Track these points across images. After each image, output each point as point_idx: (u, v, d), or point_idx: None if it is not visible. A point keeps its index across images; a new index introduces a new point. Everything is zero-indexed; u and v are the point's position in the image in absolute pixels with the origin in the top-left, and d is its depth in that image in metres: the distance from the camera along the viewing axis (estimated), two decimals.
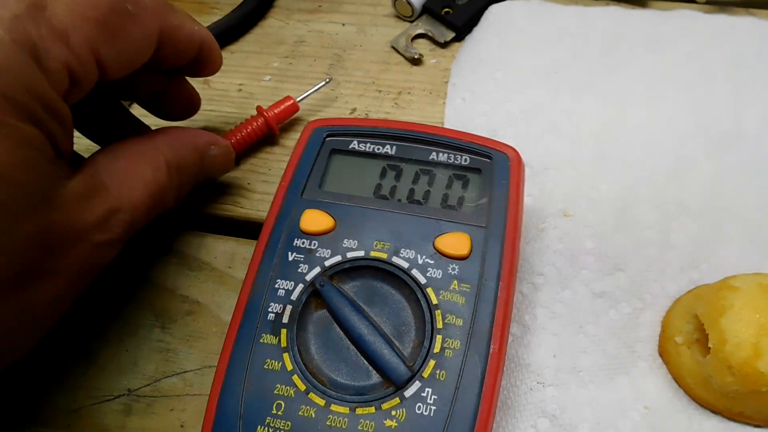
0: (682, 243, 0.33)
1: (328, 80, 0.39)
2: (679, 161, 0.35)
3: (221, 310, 0.32)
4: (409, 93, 0.41)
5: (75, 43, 0.23)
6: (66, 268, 0.25)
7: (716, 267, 0.31)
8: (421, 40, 0.43)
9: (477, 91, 0.39)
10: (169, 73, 0.32)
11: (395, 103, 0.40)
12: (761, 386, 0.25)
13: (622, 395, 0.29)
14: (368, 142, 0.31)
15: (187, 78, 0.34)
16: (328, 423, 0.24)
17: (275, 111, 0.36)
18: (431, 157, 0.30)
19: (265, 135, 0.37)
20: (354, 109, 0.40)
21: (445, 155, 0.30)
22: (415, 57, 0.42)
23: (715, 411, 0.28)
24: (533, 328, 0.30)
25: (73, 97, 0.24)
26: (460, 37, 0.43)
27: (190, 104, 0.34)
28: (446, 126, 0.38)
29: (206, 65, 0.32)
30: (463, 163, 0.30)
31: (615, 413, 0.28)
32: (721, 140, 0.36)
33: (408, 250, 0.27)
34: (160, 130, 0.31)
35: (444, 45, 0.43)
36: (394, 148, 0.30)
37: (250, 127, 0.36)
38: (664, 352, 0.30)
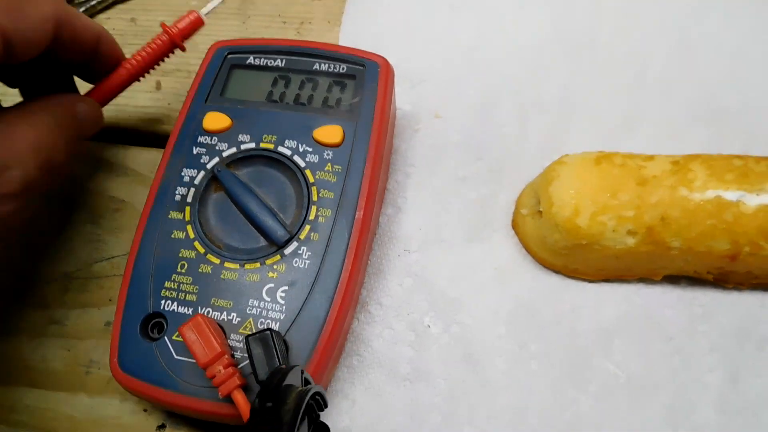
0: (537, 136, 0.38)
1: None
2: (538, 66, 0.40)
3: (143, 205, 0.37)
4: (310, 23, 0.45)
5: None
6: None
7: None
8: None
9: (366, 13, 0.43)
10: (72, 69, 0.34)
11: (297, 32, 0.45)
12: (581, 239, 0.31)
13: (477, 259, 0.34)
14: (262, 57, 0.35)
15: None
16: (222, 276, 0.29)
17: (179, 26, 0.36)
18: (314, 67, 0.34)
19: (171, 50, 0.36)
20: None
21: (326, 65, 0.34)
22: None
23: (555, 270, 0.34)
24: (404, 208, 0.36)
25: None
26: None
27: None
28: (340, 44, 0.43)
29: (108, 58, 0.34)
30: (340, 71, 0.34)
31: (468, 272, 0.34)
32: (576, 46, 0.41)
33: (291, 141, 0.32)
34: (37, 101, 0.31)
35: None
36: (284, 61, 0.35)
37: (155, 44, 0.35)
38: (515, 225, 0.35)
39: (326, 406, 0.25)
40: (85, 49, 0.32)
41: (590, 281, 0.33)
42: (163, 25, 0.35)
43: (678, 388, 0.30)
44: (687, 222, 0.29)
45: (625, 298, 0.32)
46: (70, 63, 0.33)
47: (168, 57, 0.36)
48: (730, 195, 0.29)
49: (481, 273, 0.34)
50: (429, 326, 0.32)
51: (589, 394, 0.30)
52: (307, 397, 0.23)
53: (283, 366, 0.25)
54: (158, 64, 0.36)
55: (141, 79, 0.36)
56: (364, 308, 0.33)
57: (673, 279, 0.32)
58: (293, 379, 0.24)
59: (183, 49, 0.36)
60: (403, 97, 0.40)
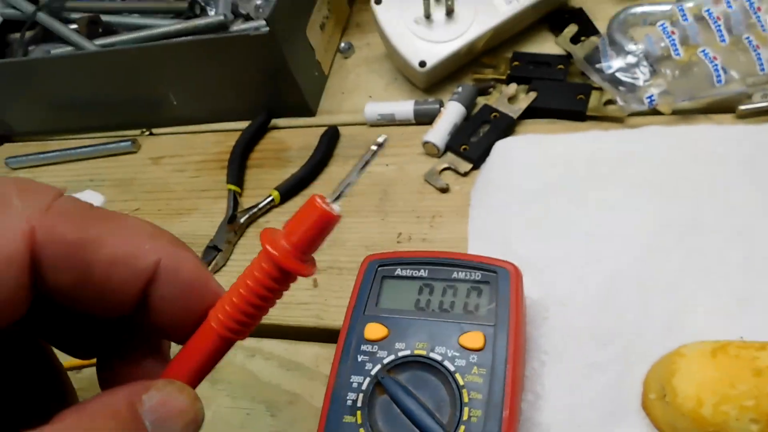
0: (658, 316, 0.41)
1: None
2: (653, 250, 0.44)
3: (313, 399, 0.43)
4: (440, 216, 0.52)
5: None
6: None
7: (687, 334, 0.39)
8: (447, 172, 0.55)
9: (491, 210, 0.50)
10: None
11: (430, 225, 0.51)
12: (708, 427, 0.34)
13: None
14: (408, 268, 0.41)
15: None
16: None
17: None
18: (453, 275, 0.40)
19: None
20: (400, 233, 0.51)
21: (463, 273, 0.40)
22: (443, 186, 0.53)
23: None
24: (542, 394, 0.40)
25: None
26: (476, 167, 0.54)
27: None
28: (470, 238, 0.49)
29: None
30: (476, 278, 0.40)
31: None
32: (685, 231, 0.45)
33: (440, 347, 0.37)
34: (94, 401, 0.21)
35: (465, 174, 0.54)
36: (427, 271, 0.41)
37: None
38: (645, 407, 0.38)
39: None
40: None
41: None
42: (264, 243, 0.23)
43: None
44: None
45: None
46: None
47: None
48: None
49: None
50: None
51: None
52: None
53: None
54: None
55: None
56: None
57: None
58: None
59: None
60: (529, 286, 0.44)
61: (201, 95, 0.66)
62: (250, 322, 0.23)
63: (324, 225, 0.23)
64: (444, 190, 0.53)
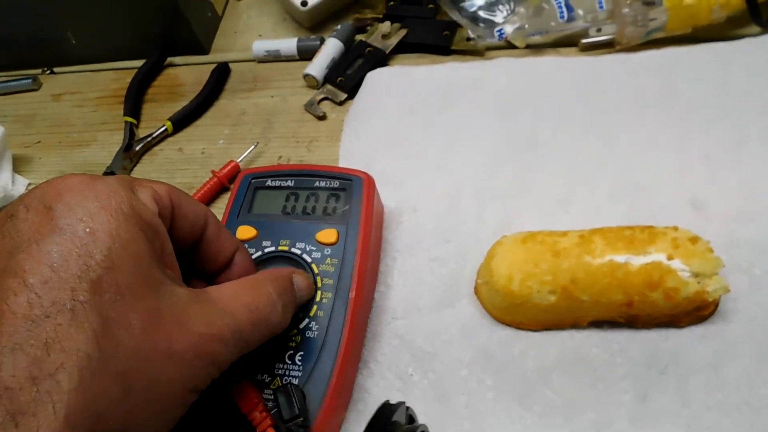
0: (492, 218, 0.47)
1: (256, 144, 0.55)
2: (492, 164, 0.50)
3: None
4: (317, 140, 0.56)
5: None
6: (178, 353, 0.27)
7: (514, 232, 0.46)
8: (325, 102, 0.59)
9: (359, 133, 0.54)
10: None
11: (308, 149, 0.56)
12: (516, 300, 0.40)
13: (447, 321, 0.43)
14: (277, 179, 0.46)
15: None
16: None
17: (224, 171, 0.53)
18: (315, 184, 0.45)
19: (221, 188, 0.53)
20: (280, 156, 0.56)
21: (324, 182, 0.45)
22: (320, 115, 0.57)
23: (507, 324, 0.43)
24: (392, 285, 0.45)
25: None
26: (350, 97, 0.58)
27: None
28: (340, 159, 0.54)
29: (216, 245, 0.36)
30: (334, 185, 0.45)
31: (440, 331, 0.43)
32: (522, 147, 0.51)
33: (300, 243, 0.42)
34: (261, 272, 0.37)
35: (340, 103, 0.58)
36: (293, 181, 0.46)
37: (208, 186, 0.52)
38: (476, 292, 0.44)
39: None
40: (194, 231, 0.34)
41: (534, 331, 0.42)
42: (213, 172, 0.48)
43: (601, 406, 0.38)
44: (591, 281, 0.38)
45: (561, 342, 0.41)
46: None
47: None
48: (620, 258, 0.38)
49: (450, 331, 0.43)
50: (412, 375, 0.41)
51: (533, 412, 0.39)
52: None
53: (390, 402, 0.28)
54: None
55: None
56: (366, 365, 0.43)
57: (597, 324, 0.41)
58: (399, 416, 0.27)
59: (227, 185, 0.49)
60: (389, 197, 0.50)
61: (99, 34, 0.67)
62: None
63: None
64: (321, 117, 0.58)
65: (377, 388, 0.41)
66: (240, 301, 0.31)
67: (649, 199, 0.46)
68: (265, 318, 0.32)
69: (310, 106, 0.58)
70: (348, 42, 0.61)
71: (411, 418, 0.29)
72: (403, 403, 0.28)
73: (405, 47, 0.61)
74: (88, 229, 0.26)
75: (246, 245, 0.43)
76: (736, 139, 0.48)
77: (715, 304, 0.39)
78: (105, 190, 0.28)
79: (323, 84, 0.59)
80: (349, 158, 0.53)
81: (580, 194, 0.48)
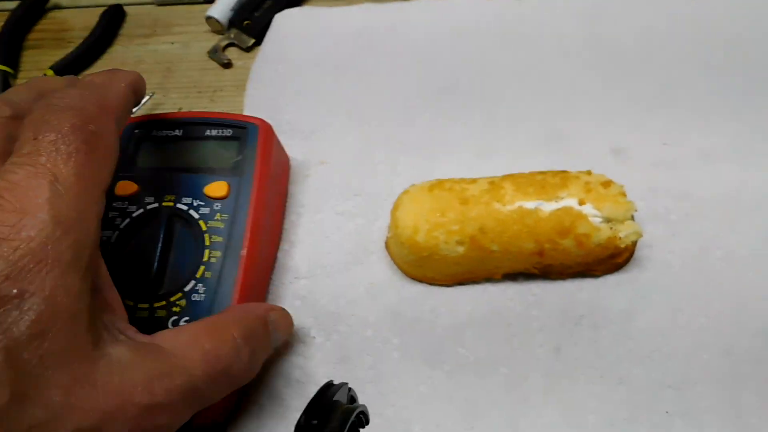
0: (405, 171, 0.44)
1: (152, 95, 0.50)
2: (408, 114, 0.47)
3: None
4: (222, 90, 0.52)
5: None
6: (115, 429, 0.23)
7: None
8: (231, 49, 0.54)
9: (266, 82, 0.50)
10: None
11: (211, 100, 0.51)
12: (423, 252, 0.37)
13: (354, 279, 0.40)
14: (163, 129, 0.41)
15: None
16: (136, 315, 0.35)
17: None
18: (206, 133, 0.41)
19: None
20: (180, 108, 0.51)
21: (216, 131, 0.41)
22: (225, 62, 0.53)
23: (418, 280, 0.39)
24: (296, 242, 0.42)
25: None
26: (258, 42, 0.54)
27: None
28: (245, 110, 0.49)
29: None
30: (227, 134, 0.40)
31: (346, 290, 0.39)
32: (439, 93, 0.47)
33: (187, 198, 0.38)
34: (226, 309, 0.33)
35: (248, 50, 0.53)
36: (182, 131, 0.41)
37: None
38: (386, 246, 0.41)
39: (368, 423, 0.26)
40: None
41: (447, 286, 0.39)
42: None
43: (514, 361, 0.36)
44: (500, 229, 0.35)
45: (474, 297, 0.38)
46: None
47: None
48: (530, 204, 0.35)
49: (357, 290, 0.39)
50: (314, 337, 0.38)
51: (442, 371, 0.36)
52: (353, 416, 0.24)
53: (333, 383, 0.27)
54: None
55: None
56: None
57: (512, 276, 0.38)
58: (341, 396, 0.26)
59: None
60: (296, 149, 0.46)
61: None
62: None
63: None
64: (227, 65, 0.53)
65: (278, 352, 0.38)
66: (198, 350, 0.27)
67: (570, 147, 0.44)
68: (226, 369, 0.28)
69: (213, 53, 0.53)
70: None
71: (352, 399, 0.28)
72: (346, 384, 0.27)
73: None
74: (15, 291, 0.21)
75: (126, 202, 0.38)
76: (659, 85, 0.46)
77: (630, 252, 0.37)
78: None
79: (228, 28, 0.55)
80: (254, 108, 0.49)
81: (499, 144, 0.45)
